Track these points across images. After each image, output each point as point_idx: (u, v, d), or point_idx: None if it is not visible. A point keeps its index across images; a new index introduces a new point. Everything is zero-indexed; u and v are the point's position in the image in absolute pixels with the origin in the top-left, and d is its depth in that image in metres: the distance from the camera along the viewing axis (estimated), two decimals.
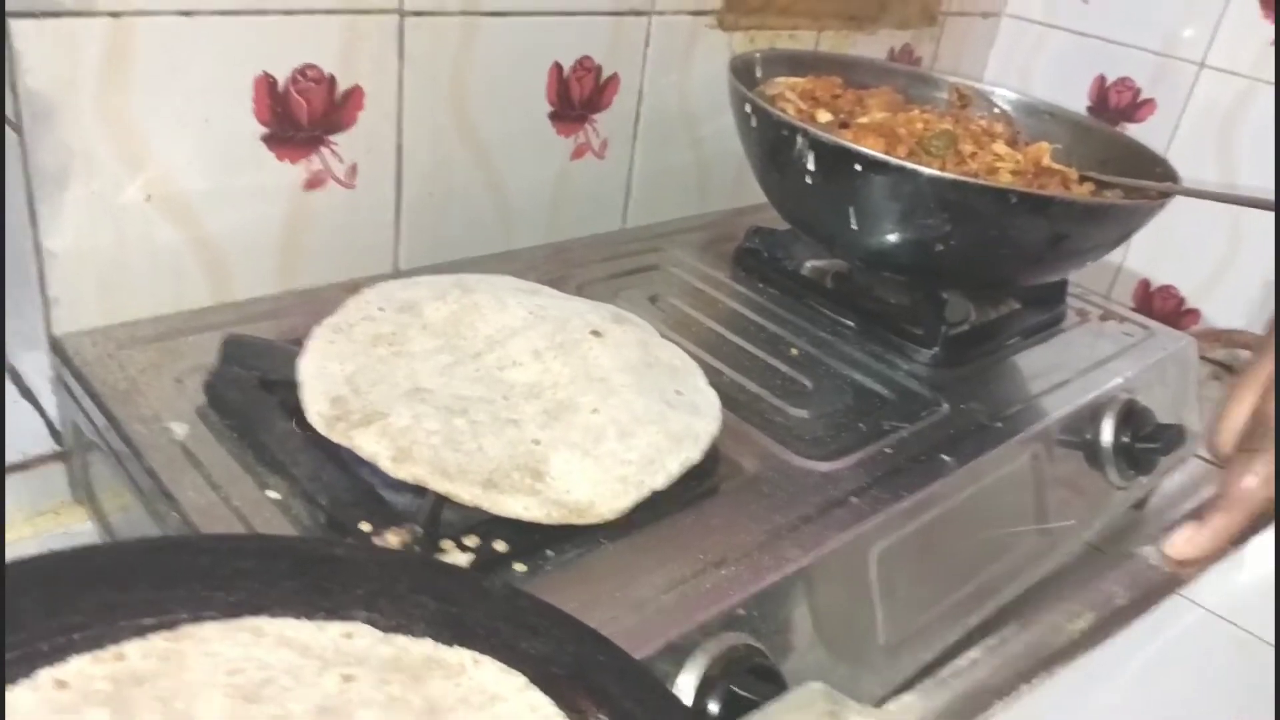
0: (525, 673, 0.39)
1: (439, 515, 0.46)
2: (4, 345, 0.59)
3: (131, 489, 0.49)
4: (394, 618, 0.40)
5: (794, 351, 0.69)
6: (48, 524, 0.62)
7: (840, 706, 0.37)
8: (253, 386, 0.53)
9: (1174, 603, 0.66)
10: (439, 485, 0.46)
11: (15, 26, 0.51)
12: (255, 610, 0.39)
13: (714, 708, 0.44)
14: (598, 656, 0.40)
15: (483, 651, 0.39)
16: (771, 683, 0.45)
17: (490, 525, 0.47)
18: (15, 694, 0.33)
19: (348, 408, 0.49)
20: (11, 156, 0.55)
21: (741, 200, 0.95)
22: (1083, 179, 0.71)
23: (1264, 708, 0.52)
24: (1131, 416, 0.70)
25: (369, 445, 0.46)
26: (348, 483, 0.48)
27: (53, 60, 0.53)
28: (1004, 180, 0.67)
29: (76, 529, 0.62)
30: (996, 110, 0.83)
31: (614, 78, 0.80)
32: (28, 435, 0.62)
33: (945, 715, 0.37)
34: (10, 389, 0.66)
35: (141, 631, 0.37)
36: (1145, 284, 1.10)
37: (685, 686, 0.44)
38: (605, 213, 0.87)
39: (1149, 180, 0.71)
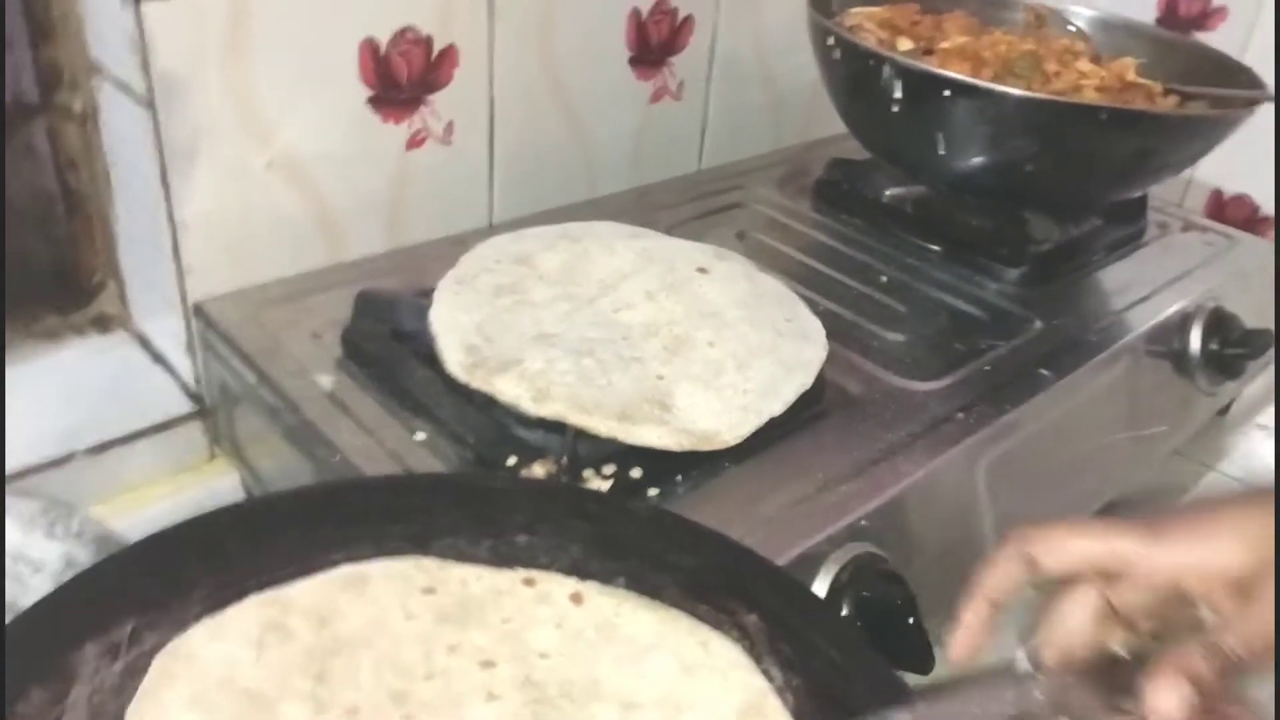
0: (677, 583, 0.42)
1: (578, 447, 0.49)
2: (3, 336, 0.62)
3: (286, 438, 0.53)
4: (552, 539, 0.43)
5: (884, 279, 0.71)
6: (189, 480, 0.66)
7: None
8: (386, 338, 0.56)
9: None
10: (578, 420, 0.49)
11: (146, 9, 0.54)
12: (430, 538, 0.42)
13: (845, 611, 0.47)
14: (743, 565, 0.44)
15: (634, 566, 0.43)
16: (897, 586, 0.48)
17: (624, 455, 0.50)
18: (231, 610, 0.37)
19: (482, 355, 0.52)
20: (145, 132, 0.58)
21: (811, 135, 0.96)
22: (1167, 92, 0.72)
23: None
24: (1219, 323, 0.71)
25: (510, 389, 0.50)
26: (488, 423, 0.51)
27: (180, 38, 0.56)
28: (1089, 98, 0.68)
29: (218, 483, 0.67)
30: (1072, 29, 0.83)
31: (689, 19, 0.81)
32: (164, 397, 0.66)
33: None
34: (142, 355, 0.70)
35: (333, 564, 0.41)
36: (1218, 194, 1.09)
37: (817, 594, 0.47)
38: (682, 155, 0.88)
39: (1233, 89, 0.71)
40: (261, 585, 0.38)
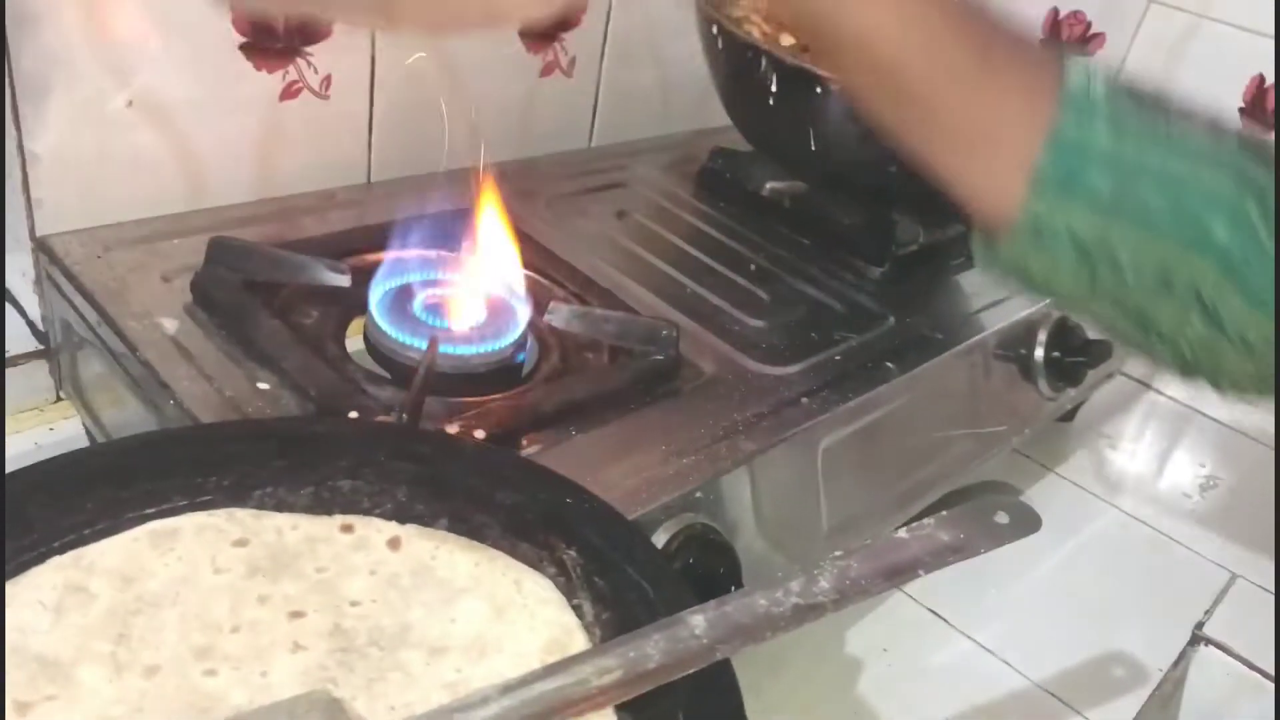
0: (499, 521, 0.42)
1: (422, 404, 0.49)
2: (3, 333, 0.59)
3: (126, 383, 0.52)
4: (376, 483, 0.43)
5: (753, 267, 0.73)
6: (31, 420, 0.64)
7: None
8: (237, 287, 0.55)
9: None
10: None
11: None
12: (249, 488, 0.42)
13: None
14: (566, 500, 0.44)
15: (459, 507, 0.42)
16: (724, 556, 0.50)
17: (471, 415, 0.50)
18: (29, 574, 0.36)
19: None
20: None
21: (704, 122, 0.97)
22: None
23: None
24: (1062, 332, 0.75)
25: None
26: (335, 376, 0.51)
27: None
28: None
29: (61, 425, 0.65)
30: None
31: None
32: (9, 335, 0.64)
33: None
34: None
35: (145, 521, 0.40)
36: None
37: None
38: (573, 131, 0.89)
39: None
40: (65, 547, 0.37)
